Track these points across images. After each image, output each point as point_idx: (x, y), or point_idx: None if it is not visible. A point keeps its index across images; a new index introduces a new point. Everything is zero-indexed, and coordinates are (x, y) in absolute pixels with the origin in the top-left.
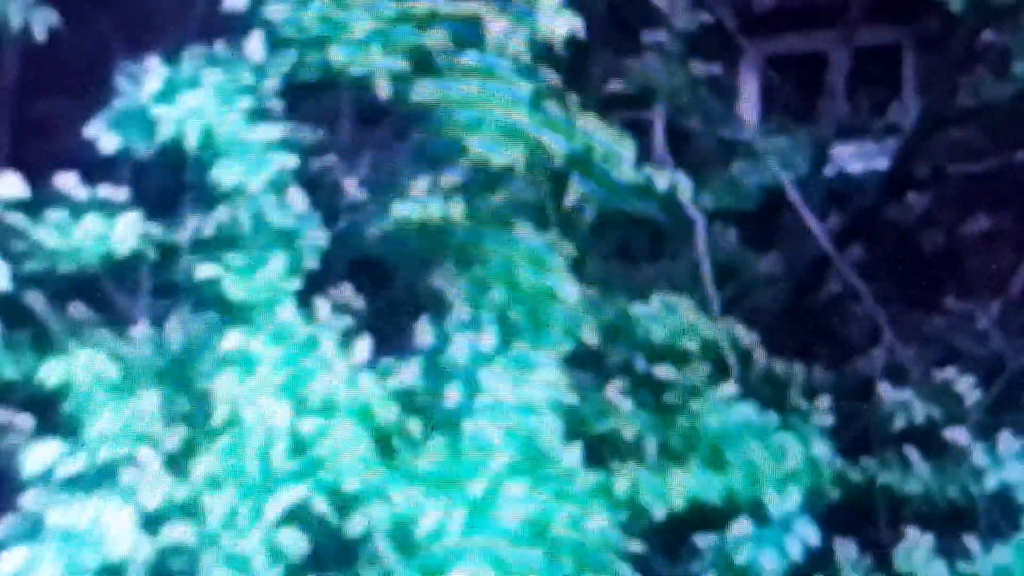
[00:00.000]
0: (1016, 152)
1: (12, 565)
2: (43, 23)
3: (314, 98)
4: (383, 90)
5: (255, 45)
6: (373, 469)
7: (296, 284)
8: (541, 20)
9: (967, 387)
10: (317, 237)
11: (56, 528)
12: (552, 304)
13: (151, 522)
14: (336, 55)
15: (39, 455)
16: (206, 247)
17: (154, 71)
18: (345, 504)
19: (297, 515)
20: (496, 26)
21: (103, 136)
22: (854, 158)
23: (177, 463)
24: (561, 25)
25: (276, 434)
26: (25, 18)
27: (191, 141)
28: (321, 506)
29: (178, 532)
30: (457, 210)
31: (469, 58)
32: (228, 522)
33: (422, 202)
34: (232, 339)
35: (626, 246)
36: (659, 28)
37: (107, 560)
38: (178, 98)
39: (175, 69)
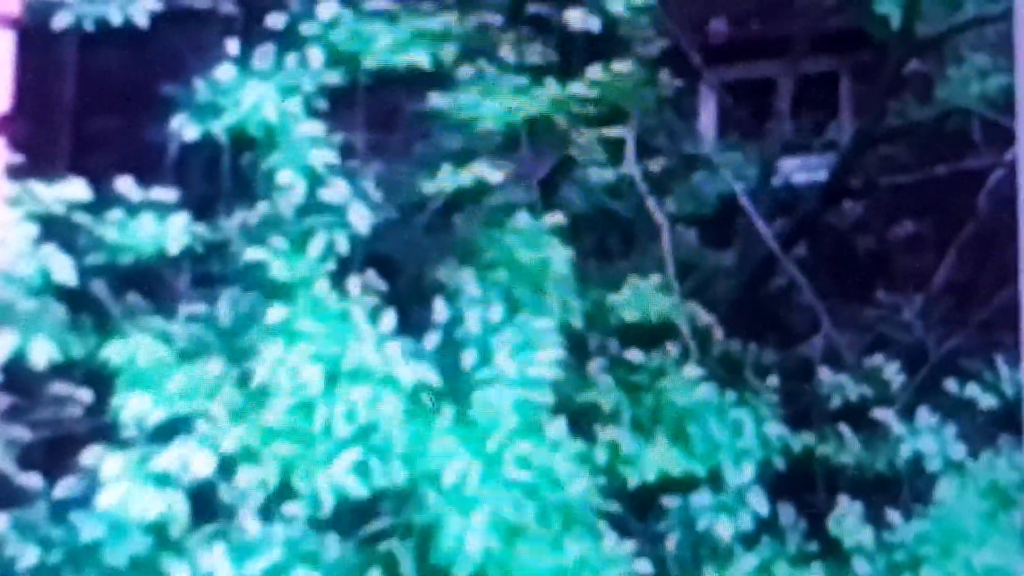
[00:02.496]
0: (937, 166)
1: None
2: (144, 12)
3: (339, 104)
4: (401, 98)
5: (313, 55)
6: (410, 428)
7: (331, 266)
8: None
9: (893, 372)
10: (348, 225)
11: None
12: (547, 277)
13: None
14: (363, 66)
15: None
16: (251, 234)
17: (225, 72)
18: (391, 459)
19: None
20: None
21: (186, 127)
22: (798, 170)
23: (231, 421)
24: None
25: (317, 398)
26: (125, 12)
27: (251, 131)
28: (375, 464)
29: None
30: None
31: (475, 71)
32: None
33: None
34: (276, 313)
35: (602, 245)
36: (627, 57)
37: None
38: (242, 94)
39: (242, 71)
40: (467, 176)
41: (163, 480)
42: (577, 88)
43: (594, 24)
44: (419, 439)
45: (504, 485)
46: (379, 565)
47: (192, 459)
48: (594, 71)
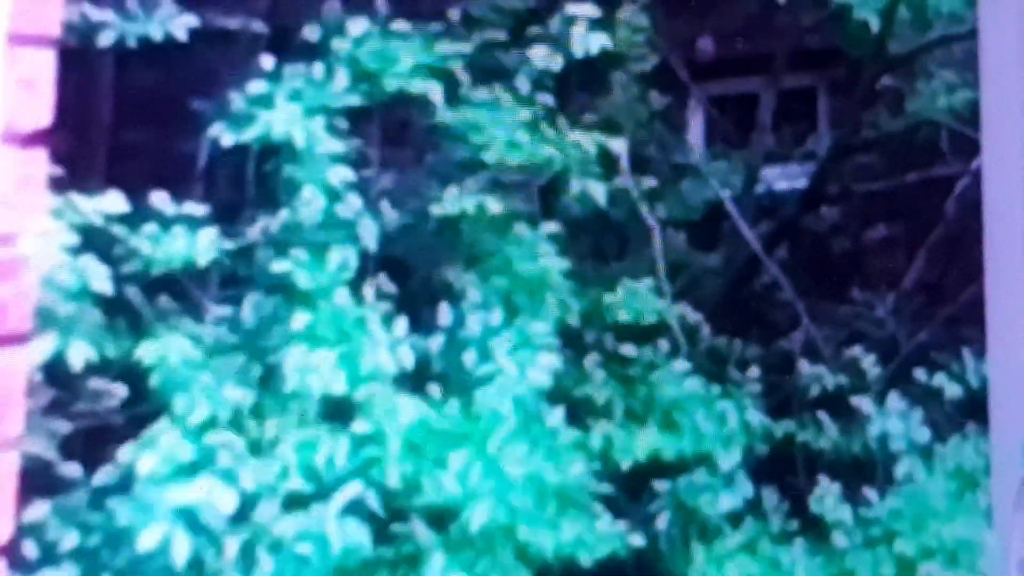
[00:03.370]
0: (908, 174)
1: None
2: (183, 27)
3: (356, 120)
4: (416, 113)
5: (339, 74)
6: (419, 419)
7: (349, 274)
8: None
9: (869, 363)
10: (365, 236)
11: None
12: (544, 285)
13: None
14: (385, 85)
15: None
16: (273, 240)
17: (257, 85)
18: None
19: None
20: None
21: (223, 135)
22: (779, 178)
23: (251, 416)
24: (594, 44)
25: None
26: (166, 28)
27: (275, 144)
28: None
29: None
30: (474, 210)
31: (483, 89)
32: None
33: (454, 202)
34: (299, 320)
35: (598, 247)
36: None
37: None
38: (273, 107)
39: (273, 84)
40: (473, 187)
41: (194, 470)
42: (575, 103)
43: (594, 43)
44: (427, 430)
45: (505, 469)
46: (395, 544)
47: (219, 453)
48: (590, 89)
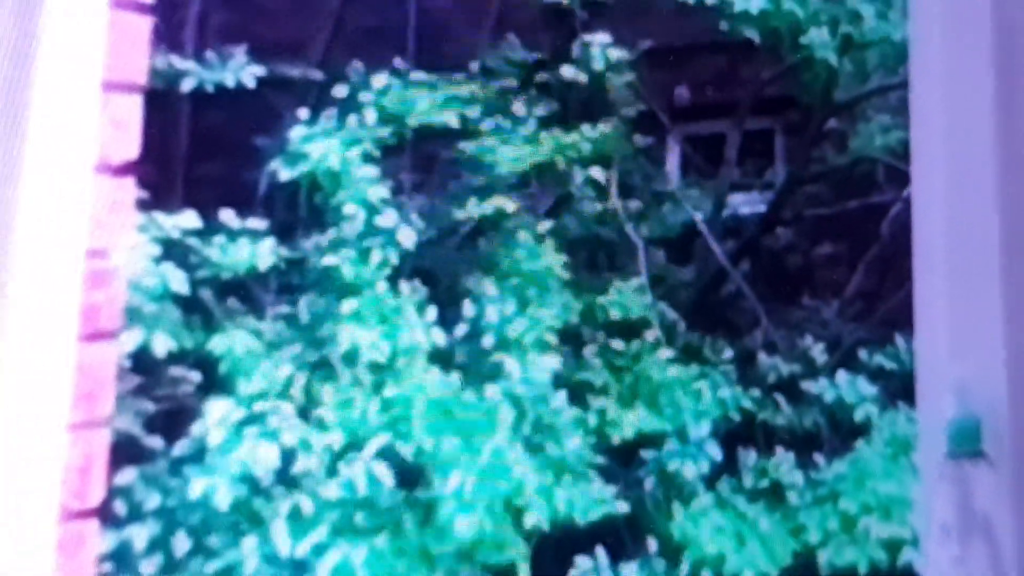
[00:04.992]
0: (850, 201)
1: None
2: (252, 75)
3: (390, 151)
4: (437, 146)
5: (369, 116)
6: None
7: (388, 272)
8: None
9: (817, 355)
10: (403, 240)
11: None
12: (551, 289)
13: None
14: (408, 124)
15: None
16: (323, 252)
17: (304, 127)
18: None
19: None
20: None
21: (280, 169)
22: (743, 204)
23: (304, 394)
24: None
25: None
26: (237, 76)
27: (322, 172)
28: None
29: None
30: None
31: (494, 125)
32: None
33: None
34: (348, 305)
35: (593, 260)
36: (611, 117)
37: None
38: (316, 145)
39: (320, 124)
40: (488, 207)
41: (253, 438)
42: (573, 140)
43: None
44: (447, 406)
45: (514, 442)
46: (417, 503)
47: (282, 428)
48: (587, 128)
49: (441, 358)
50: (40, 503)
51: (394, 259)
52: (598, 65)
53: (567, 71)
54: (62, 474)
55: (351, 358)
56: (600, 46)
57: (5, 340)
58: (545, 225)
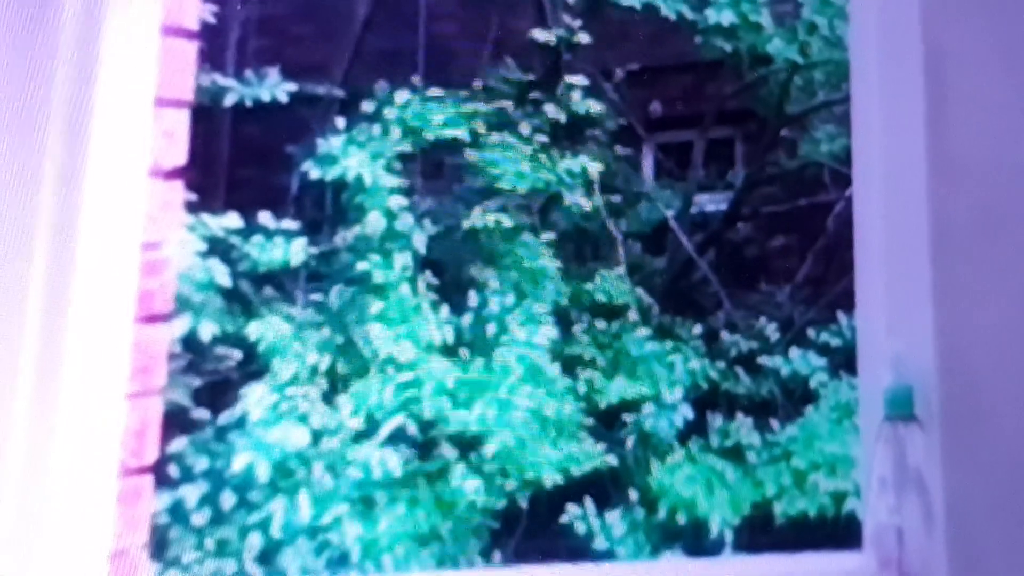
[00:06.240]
0: (800, 200)
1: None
2: (285, 92)
3: (407, 159)
4: (447, 155)
5: (394, 134)
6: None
7: (409, 272)
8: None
9: (771, 333)
10: (416, 243)
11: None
12: (545, 278)
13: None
14: (424, 137)
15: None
16: (349, 247)
17: (336, 138)
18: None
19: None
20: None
21: (311, 170)
22: (708, 203)
23: (327, 374)
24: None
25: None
26: (273, 92)
27: (349, 178)
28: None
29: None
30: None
31: (497, 136)
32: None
33: (480, 217)
34: (375, 305)
35: (580, 251)
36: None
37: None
38: (346, 153)
39: (345, 136)
40: (491, 206)
41: (283, 414)
42: (563, 150)
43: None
44: (458, 379)
45: (516, 408)
46: (434, 467)
47: (312, 405)
48: (574, 140)
49: (451, 345)
50: (103, 461)
51: (409, 260)
52: (588, 88)
53: (559, 90)
54: (121, 436)
55: (373, 347)
56: (590, 71)
57: (72, 321)
58: (544, 232)
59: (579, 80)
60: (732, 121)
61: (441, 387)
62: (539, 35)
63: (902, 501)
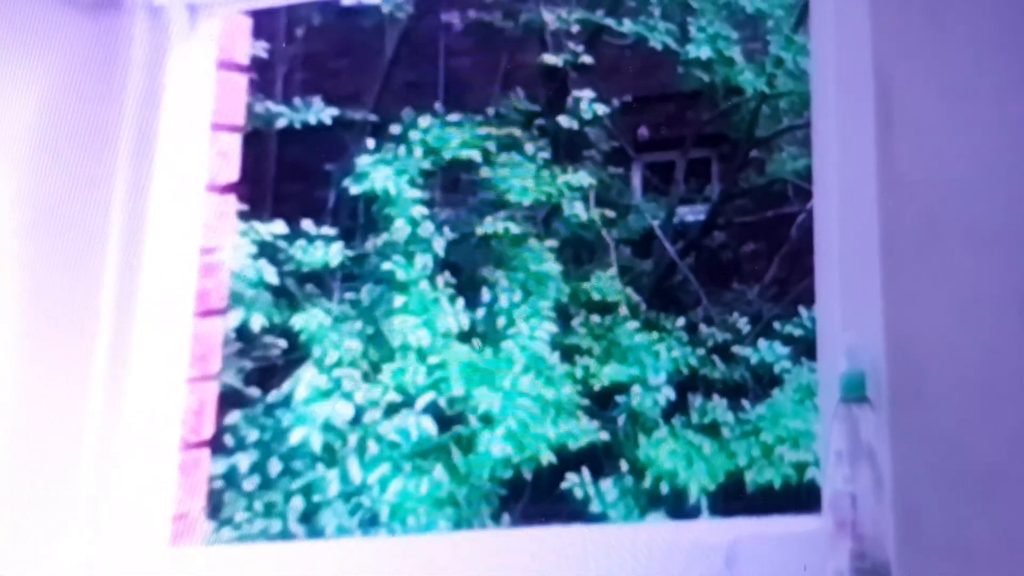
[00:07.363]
0: (768, 211)
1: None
2: (329, 116)
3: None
4: (463, 172)
5: (417, 154)
6: (467, 359)
7: (428, 271)
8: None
9: (743, 325)
10: (436, 248)
11: None
12: (547, 278)
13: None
14: (444, 156)
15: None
16: (378, 251)
17: (367, 158)
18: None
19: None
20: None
21: (351, 186)
22: (688, 214)
23: (363, 357)
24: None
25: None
26: (318, 116)
27: (379, 192)
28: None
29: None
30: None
31: (506, 156)
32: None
33: (491, 225)
34: (399, 299)
35: (577, 256)
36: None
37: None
38: (375, 171)
39: (376, 155)
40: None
41: (331, 393)
42: (565, 169)
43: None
44: (472, 366)
45: (521, 392)
46: (451, 441)
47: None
48: (574, 160)
49: (466, 335)
50: (167, 436)
51: (430, 262)
52: (586, 115)
53: (561, 119)
54: (182, 415)
55: (402, 337)
56: (587, 100)
57: (140, 315)
58: (546, 239)
59: (587, 93)
60: (709, 143)
61: (463, 368)
62: (548, 59)
63: (855, 471)
